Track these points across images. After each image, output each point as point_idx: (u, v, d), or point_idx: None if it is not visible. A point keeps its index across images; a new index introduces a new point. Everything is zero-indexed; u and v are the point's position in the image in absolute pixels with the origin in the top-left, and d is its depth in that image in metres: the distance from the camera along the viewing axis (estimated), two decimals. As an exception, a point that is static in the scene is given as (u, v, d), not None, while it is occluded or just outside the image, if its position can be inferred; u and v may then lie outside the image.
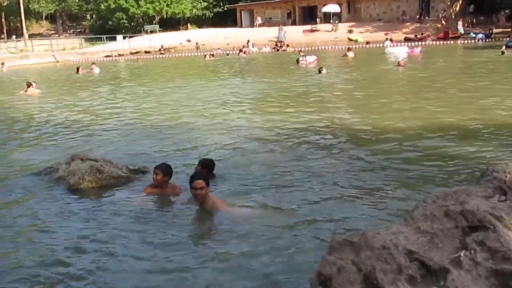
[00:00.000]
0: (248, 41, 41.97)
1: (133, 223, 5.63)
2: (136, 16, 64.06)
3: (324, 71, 19.72)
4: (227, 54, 36.57)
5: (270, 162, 7.82)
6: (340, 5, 52.52)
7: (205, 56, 34.50)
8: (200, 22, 66.85)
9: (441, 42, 37.80)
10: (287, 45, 40.03)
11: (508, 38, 31.72)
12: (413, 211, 3.20)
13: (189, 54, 40.07)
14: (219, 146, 8.98)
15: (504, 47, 26.76)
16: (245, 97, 15.31)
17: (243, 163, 7.82)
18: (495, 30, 40.91)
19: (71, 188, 6.65)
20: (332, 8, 51.61)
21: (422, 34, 42.04)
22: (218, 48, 40.16)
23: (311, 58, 26.06)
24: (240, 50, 35.81)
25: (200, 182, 5.71)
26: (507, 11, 44.66)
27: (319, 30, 49.97)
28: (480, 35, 38.44)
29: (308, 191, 6.38)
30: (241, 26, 59.76)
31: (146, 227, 5.47)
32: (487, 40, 36.89)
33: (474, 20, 45.95)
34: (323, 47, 38.29)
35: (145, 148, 9.16)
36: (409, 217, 3.16)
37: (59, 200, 6.45)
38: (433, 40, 39.25)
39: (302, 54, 28.53)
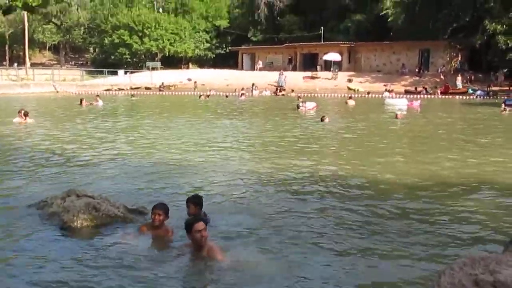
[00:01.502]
0: (253, 84, 42.15)
1: (126, 267, 5.34)
2: (139, 52, 64.68)
3: (326, 119, 19.66)
4: (227, 96, 36.68)
5: (264, 209, 7.59)
6: (341, 54, 53.24)
7: (200, 96, 34.61)
8: (201, 62, 67.60)
9: (440, 96, 38.10)
10: (292, 90, 40.21)
11: (506, 97, 32.01)
12: (439, 278, 2.96)
13: (188, 93, 40.22)
14: (212, 188, 8.77)
15: (502, 105, 26.93)
16: (243, 140, 15.17)
17: (236, 208, 7.61)
18: (492, 88, 41.48)
19: (65, 226, 6.35)
20: (333, 56, 52.30)
21: (416, 88, 42.45)
22: (212, 89, 40.27)
23: (311, 105, 26.10)
24: (242, 94, 35.93)
25: (203, 224, 5.47)
26: (505, 70, 45.28)
27: (319, 77, 50.46)
28: (479, 92, 38.88)
29: (301, 244, 6.14)
30: (242, 68, 60.35)
31: (139, 273, 5.18)
32: (486, 97, 37.23)
33: (473, 76, 46.55)
34: (322, 95, 38.51)
35: (140, 185, 8.92)
36: (436, 284, 2.91)
37: (50, 238, 6.16)
38: (435, 94, 39.54)
39: (301, 100, 28.61)
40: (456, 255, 5.44)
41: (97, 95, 29.64)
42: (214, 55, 69.52)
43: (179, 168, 10.50)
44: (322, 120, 19.70)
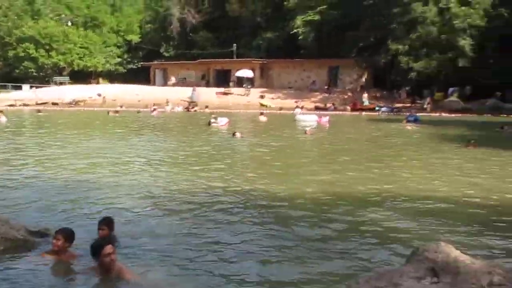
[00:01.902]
0: (167, 100, 41.62)
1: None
2: (45, 66, 62.22)
3: (238, 135, 19.76)
4: (138, 112, 35.95)
5: (173, 227, 7.49)
6: (253, 70, 54.01)
7: (108, 112, 33.69)
8: (112, 77, 66.13)
9: (348, 112, 39.50)
10: (206, 106, 40.06)
11: (408, 114, 33.75)
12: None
13: (98, 109, 39.05)
14: (121, 207, 8.53)
15: (404, 121, 28.34)
16: (153, 157, 14.89)
17: (146, 227, 7.46)
18: (396, 105, 43.70)
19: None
20: (245, 73, 52.95)
21: (325, 104, 43.81)
22: (123, 105, 39.41)
23: (223, 121, 26.10)
24: (154, 109, 35.35)
25: (111, 247, 5.27)
26: (407, 88, 47.83)
27: (232, 93, 50.80)
28: (384, 108, 40.75)
29: (211, 262, 6.09)
30: (154, 84, 59.54)
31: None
32: (390, 113, 39.07)
33: (378, 94, 48.75)
34: (235, 110, 38.76)
35: (46, 206, 8.50)
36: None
37: None
38: (345, 110, 40.89)
39: (213, 116, 28.55)
40: (362, 268, 5.59)
41: (1, 111, 28.08)
42: (125, 70, 68.23)
43: (86, 188, 10.12)
44: (233, 135, 19.79)
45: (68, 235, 5.92)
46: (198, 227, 7.47)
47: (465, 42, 42.96)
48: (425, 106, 42.20)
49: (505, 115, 36.29)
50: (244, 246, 6.68)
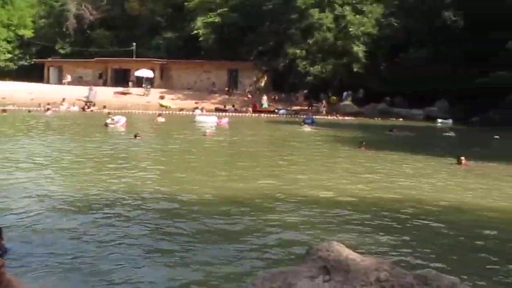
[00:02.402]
0: (63, 99, 39.80)
1: None
2: None
3: (139, 136, 19.32)
4: (29, 111, 34.06)
5: (67, 233, 7.19)
6: (153, 70, 53.20)
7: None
8: (2, 74, 62.07)
9: (248, 114, 39.99)
10: (104, 106, 38.69)
11: (305, 116, 34.82)
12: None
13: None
14: (12, 213, 8.06)
15: (302, 123, 29.18)
16: (46, 159, 14.20)
17: (37, 234, 7.08)
18: (294, 108, 44.99)
19: None
20: (145, 73, 52.06)
21: (225, 106, 44.10)
22: (13, 104, 37.18)
23: (121, 121, 25.30)
24: (48, 109, 33.64)
25: (1, 260, 4.92)
26: (305, 91, 49.34)
27: (131, 94, 49.71)
28: (282, 111, 41.74)
29: (107, 269, 5.94)
30: (48, 82, 56.84)
31: None
32: (288, 116, 40.07)
33: (276, 96, 49.84)
34: (134, 111, 37.92)
35: None
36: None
37: None
38: (247, 112, 41.28)
39: (110, 116, 27.61)
40: (258, 268, 5.67)
41: None
42: (16, 67, 64.52)
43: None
44: (135, 137, 19.32)
45: None
46: (96, 231, 7.23)
47: (359, 49, 45.07)
48: (321, 109, 43.73)
49: (393, 119, 38.49)
50: (137, 249, 6.55)
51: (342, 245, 3.61)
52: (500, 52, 39.70)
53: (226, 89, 52.03)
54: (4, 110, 31.88)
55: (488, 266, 6.39)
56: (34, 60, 62.56)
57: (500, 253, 6.87)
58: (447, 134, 26.92)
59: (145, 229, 7.48)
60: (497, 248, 7.07)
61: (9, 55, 63.71)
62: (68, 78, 55.35)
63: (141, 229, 7.47)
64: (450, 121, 35.73)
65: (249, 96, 49.13)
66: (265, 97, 45.96)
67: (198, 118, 30.90)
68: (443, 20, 43.59)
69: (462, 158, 15.24)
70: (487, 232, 7.86)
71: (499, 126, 32.56)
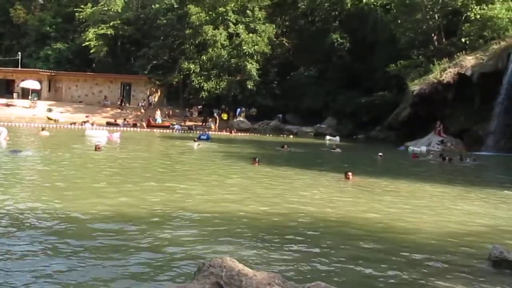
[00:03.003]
0: None
1: None
2: None
3: (23, 152, 18.20)
4: None
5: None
6: (40, 82, 50.78)
7: None
8: None
9: (145, 129, 39.31)
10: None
11: (200, 132, 34.85)
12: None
13: None
14: None
15: (196, 139, 29.05)
16: None
17: None
18: (187, 123, 44.96)
19: None
20: (32, 84, 49.60)
21: (116, 120, 43.12)
22: None
23: (2, 134, 23.52)
24: None
25: None
26: (200, 107, 49.47)
27: (16, 105, 47.05)
28: (176, 126, 41.54)
29: None
30: None
31: None
32: (182, 131, 39.92)
33: (171, 111, 49.51)
34: (18, 124, 35.88)
35: None
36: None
37: None
38: (141, 127, 40.48)
39: None
40: (151, 286, 5.57)
41: None
42: None
43: None
44: (15, 152, 18.17)
45: None
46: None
47: (252, 67, 46.04)
48: (211, 125, 44.02)
49: (285, 135, 39.64)
50: (24, 269, 6.19)
51: (234, 260, 3.65)
52: (381, 74, 42.46)
53: (119, 103, 50.84)
54: None
55: (369, 278, 6.73)
56: None
57: (381, 262, 7.27)
58: (334, 150, 28.12)
59: (32, 248, 7.08)
60: (380, 258, 7.48)
61: None
62: None
63: (27, 248, 7.06)
64: (337, 138, 37.46)
65: (142, 110, 48.37)
66: (158, 112, 45.52)
67: (88, 132, 29.87)
68: (330, 41, 45.80)
69: (350, 173, 16.06)
70: (372, 243, 8.28)
71: (382, 143, 34.71)
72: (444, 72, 35.11)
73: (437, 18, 39.47)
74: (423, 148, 32.02)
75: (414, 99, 36.20)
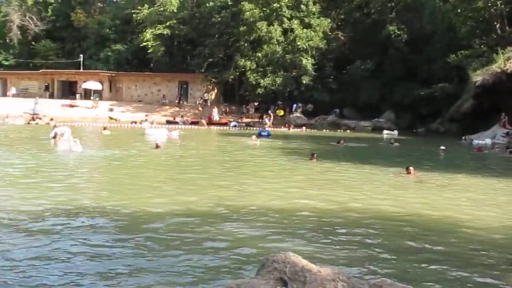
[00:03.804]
0: (8, 116, 38.50)
1: None
2: None
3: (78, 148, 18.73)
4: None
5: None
6: (101, 83, 52.28)
7: None
8: None
9: (199, 127, 39.82)
10: (51, 119, 37.58)
11: (260, 128, 34.91)
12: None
13: None
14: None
15: (253, 136, 29.10)
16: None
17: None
18: (244, 120, 45.21)
19: None
20: (93, 85, 51.12)
21: (174, 118, 43.89)
22: None
23: (66, 134, 24.24)
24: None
25: None
26: (256, 103, 49.59)
27: (79, 106, 48.63)
28: (233, 123, 41.81)
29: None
30: (-9, 94, 55.00)
31: None
32: (239, 128, 40.17)
33: (227, 109, 49.89)
34: (82, 124, 37.13)
35: None
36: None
37: None
38: (200, 125, 41.07)
39: (55, 129, 26.48)
40: (214, 281, 5.62)
41: None
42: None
43: None
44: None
45: None
46: (53, 246, 6.99)
47: (307, 62, 45.71)
48: (266, 121, 43.99)
49: (342, 130, 39.23)
50: (95, 261, 6.38)
51: (298, 256, 3.62)
52: (439, 65, 41.26)
53: (177, 101, 51.69)
54: None
55: (441, 275, 6.53)
56: (-24, 72, 60.59)
57: (453, 261, 7.05)
58: (392, 144, 27.60)
59: (105, 242, 7.31)
60: (450, 257, 7.25)
61: None
62: (13, 90, 53.68)
63: (101, 240, 7.29)
64: (395, 132, 36.70)
65: (200, 108, 48.98)
66: (215, 110, 45.95)
67: (147, 131, 30.51)
68: (386, 33, 44.91)
69: (411, 168, 15.61)
70: (440, 240, 8.06)
71: (443, 137, 33.72)
72: (508, 61, 33.67)
73: (499, 5, 37.91)
74: (488, 141, 30.86)
75: (477, 90, 34.93)
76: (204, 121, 42.17)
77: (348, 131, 39.73)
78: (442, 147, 24.99)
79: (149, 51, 52.89)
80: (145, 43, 52.37)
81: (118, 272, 6.24)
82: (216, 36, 51.18)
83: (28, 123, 36.84)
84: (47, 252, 6.87)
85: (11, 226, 8.17)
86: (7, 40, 62.53)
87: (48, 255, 6.76)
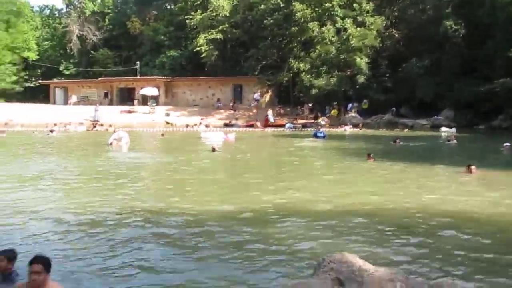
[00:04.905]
0: (70, 123, 40.03)
1: None
2: None
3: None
4: (34, 132, 34.26)
5: (91, 250, 7.22)
6: (158, 88, 53.42)
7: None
8: (9, 96, 62.52)
9: (255, 129, 40.03)
10: (110, 125, 38.76)
11: (316, 129, 34.72)
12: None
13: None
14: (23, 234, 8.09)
15: (312, 137, 28.88)
16: (48, 178, 14.22)
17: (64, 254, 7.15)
18: (299, 121, 45.07)
19: None
20: (150, 91, 52.31)
21: (230, 121, 44.33)
22: (22, 125, 37.26)
23: (124, 138, 24.89)
24: (52, 130, 33.68)
25: (38, 266, 4.93)
26: (310, 105, 49.37)
27: (137, 112, 49.86)
28: (288, 125, 41.77)
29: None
30: (54, 103, 57.18)
31: None
32: (294, 129, 40.10)
33: (282, 110, 49.91)
34: (140, 129, 38.07)
35: None
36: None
37: None
38: (256, 127, 41.34)
39: (115, 135, 27.15)
40: (271, 281, 5.64)
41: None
42: (22, 89, 65.06)
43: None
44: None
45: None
46: (115, 248, 7.22)
47: (362, 61, 45.04)
48: (322, 122, 43.63)
49: (399, 129, 38.43)
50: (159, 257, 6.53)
51: (354, 255, 3.59)
52: (501, 59, 39.73)
53: (231, 104, 52.15)
54: (2, 131, 31.68)
55: (503, 276, 6.32)
56: (40, 82, 63.05)
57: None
58: (449, 142, 26.84)
59: (161, 242, 7.49)
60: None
61: (15, 78, 64.21)
62: (74, 98, 55.65)
63: (155, 242, 7.48)
64: (453, 129, 35.65)
65: (254, 111, 49.20)
66: (270, 111, 46.02)
67: (203, 135, 30.88)
68: (443, 29, 43.62)
69: (473, 166, 15.02)
70: (501, 239, 7.80)
71: (505, 133, 32.40)
72: None
73: None
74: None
75: (541, 84, 33.52)
76: (259, 124, 42.34)
77: (406, 129, 38.90)
78: (507, 144, 23.75)
79: (202, 55, 53.58)
80: (198, 48, 53.09)
81: (177, 270, 6.37)
82: (269, 38, 51.24)
83: (90, 130, 38.09)
84: (127, 259, 7.10)
85: (81, 230, 8.49)
86: (68, 50, 64.93)
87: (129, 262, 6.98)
